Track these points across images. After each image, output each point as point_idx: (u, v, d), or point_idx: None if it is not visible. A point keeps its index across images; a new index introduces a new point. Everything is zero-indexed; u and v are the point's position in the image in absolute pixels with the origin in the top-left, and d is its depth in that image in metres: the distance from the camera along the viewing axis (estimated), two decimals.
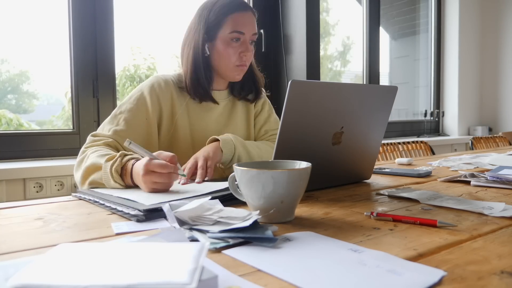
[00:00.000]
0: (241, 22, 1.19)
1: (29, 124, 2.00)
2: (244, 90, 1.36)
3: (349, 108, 0.96)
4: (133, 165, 0.95)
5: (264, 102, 1.44)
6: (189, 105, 1.26)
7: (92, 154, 1.04)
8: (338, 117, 0.94)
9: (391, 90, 1.05)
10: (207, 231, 0.60)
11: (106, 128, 1.17)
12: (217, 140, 1.17)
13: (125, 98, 1.24)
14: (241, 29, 1.20)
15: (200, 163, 1.07)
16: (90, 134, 1.17)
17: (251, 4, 2.44)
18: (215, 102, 1.29)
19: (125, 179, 0.96)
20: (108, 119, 1.19)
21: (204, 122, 1.28)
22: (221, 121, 1.31)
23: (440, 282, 0.44)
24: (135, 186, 0.96)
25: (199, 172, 1.05)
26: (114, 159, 0.97)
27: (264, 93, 1.45)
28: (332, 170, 1.00)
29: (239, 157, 1.18)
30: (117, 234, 0.64)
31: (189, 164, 1.08)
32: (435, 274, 0.46)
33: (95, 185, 1.00)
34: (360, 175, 1.11)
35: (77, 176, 1.06)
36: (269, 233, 0.59)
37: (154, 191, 0.90)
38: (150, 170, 0.89)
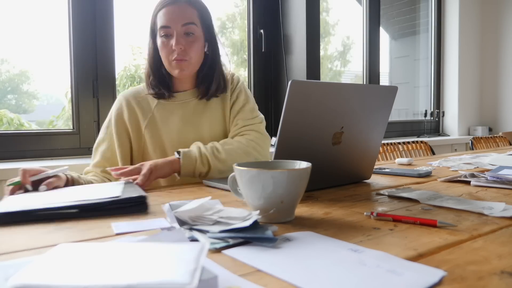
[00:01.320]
0: (166, 17, 1.19)
1: (29, 124, 2.00)
2: (209, 87, 1.30)
3: (349, 108, 0.96)
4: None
5: (240, 91, 1.35)
6: (156, 113, 1.28)
7: None
8: (338, 117, 0.94)
9: (391, 90, 1.05)
10: (207, 231, 0.60)
11: (90, 164, 1.30)
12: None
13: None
14: (166, 23, 1.19)
15: (143, 171, 1.06)
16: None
17: (251, 4, 2.44)
18: (171, 94, 1.29)
19: None
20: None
21: (175, 124, 1.27)
22: (194, 120, 1.28)
23: (440, 282, 0.44)
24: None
25: (140, 177, 1.03)
26: None
27: (240, 82, 1.37)
28: (332, 170, 1.01)
29: (208, 170, 1.15)
30: (117, 234, 0.64)
31: (132, 166, 1.09)
32: (435, 274, 0.46)
33: None
34: (360, 175, 1.11)
35: None
36: (269, 233, 0.59)
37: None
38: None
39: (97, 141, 1.31)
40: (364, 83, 3.10)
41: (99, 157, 1.27)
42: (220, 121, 1.32)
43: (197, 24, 1.22)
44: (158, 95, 1.28)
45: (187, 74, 1.25)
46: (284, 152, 0.87)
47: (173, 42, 1.19)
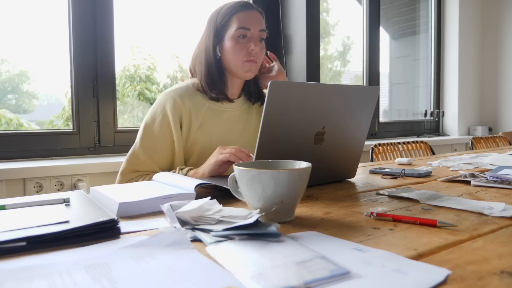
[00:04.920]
0: (246, 19, 1.24)
1: (29, 124, 2.00)
2: (257, 93, 1.39)
3: (330, 108, 0.97)
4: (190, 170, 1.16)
5: None
6: (207, 115, 1.29)
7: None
8: (319, 117, 0.95)
9: (373, 91, 1.06)
10: (210, 230, 0.60)
11: (142, 157, 1.22)
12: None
13: (148, 115, 1.26)
14: (247, 25, 1.24)
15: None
16: (128, 161, 1.24)
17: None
18: (231, 100, 1.32)
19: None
20: (138, 146, 1.24)
21: (222, 131, 1.30)
22: (240, 128, 1.34)
23: (445, 281, 0.44)
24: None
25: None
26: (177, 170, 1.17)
27: None
28: (316, 169, 1.01)
29: None
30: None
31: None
32: (440, 273, 0.46)
33: None
34: (344, 174, 1.12)
35: None
36: (273, 228, 0.59)
37: (224, 160, 1.04)
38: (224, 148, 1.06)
39: (146, 143, 1.24)
40: (364, 83, 3.10)
41: (161, 159, 1.24)
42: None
43: (266, 33, 1.31)
44: (215, 99, 1.30)
45: (252, 76, 1.30)
46: (266, 152, 0.88)
47: (251, 43, 1.24)
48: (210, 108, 1.29)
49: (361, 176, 1.20)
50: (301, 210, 0.78)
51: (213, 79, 1.27)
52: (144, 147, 1.23)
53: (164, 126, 1.23)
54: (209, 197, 0.71)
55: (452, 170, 1.31)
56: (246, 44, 1.25)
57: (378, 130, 3.13)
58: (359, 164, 1.27)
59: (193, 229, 0.62)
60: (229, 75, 1.32)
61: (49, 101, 2.13)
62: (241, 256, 0.51)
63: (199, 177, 1.07)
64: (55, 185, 1.65)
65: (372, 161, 2.15)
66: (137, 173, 1.23)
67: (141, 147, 1.23)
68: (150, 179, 1.14)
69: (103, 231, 0.61)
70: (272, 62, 1.42)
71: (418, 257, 0.52)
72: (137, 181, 1.21)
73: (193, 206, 0.66)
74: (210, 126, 1.28)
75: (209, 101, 1.30)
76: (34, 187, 1.61)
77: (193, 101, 1.27)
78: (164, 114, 1.24)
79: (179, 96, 1.26)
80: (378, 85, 3.12)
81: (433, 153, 2.45)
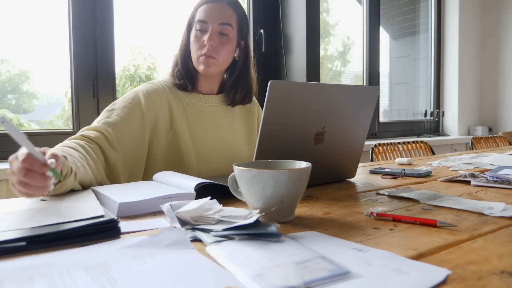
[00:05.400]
0: (206, 12, 1.21)
1: (29, 124, 2.00)
2: (236, 94, 1.32)
3: (330, 108, 0.97)
4: None
5: (260, 110, 1.44)
6: (187, 110, 1.26)
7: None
8: (319, 116, 0.95)
9: (373, 90, 1.06)
10: (210, 230, 0.60)
11: (96, 120, 1.14)
12: None
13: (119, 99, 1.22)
14: (204, 18, 1.21)
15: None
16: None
17: (251, 4, 2.45)
18: (199, 92, 1.28)
19: None
20: (100, 115, 1.17)
21: (204, 126, 1.27)
22: (222, 125, 1.31)
23: (445, 281, 0.44)
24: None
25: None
26: None
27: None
28: (315, 169, 1.01)
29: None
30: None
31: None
32: (440, 273, 0.46)
33: None
34: (344, 174, 1.12)
35: None
36: (273, 228, 0.59)
37: (26, 195, 0.74)
38: (28, 167, 0.70)
39: (114, 106, 1.17)
40: (364, 83, 3.10)
41: (116, 120, 1.12)
42: (245, 131, 1.37)
43: (233, 27, 1.23)
44: (181, 86, 1.26)
45: (212, 72, 1.24)
46: (266, 152, 0.88)
47: (206, 37, 1.20)
48: (191, 102, 1.27)
49: (361, 176, 1.20)
50: (301, 210, 0.78)
51: (180, 73, 1.25)
52: (103, 112, 1.17)
53: (134, 102, 1.17)
54: (209, 197, 0.72)
55: (452, 170, 1.31)
56: (201, 37, 1.21)
57: (378, 130, 3.13)
58: (359, 164, 1.27)
59: (193, 229, 0.62)
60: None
61: (49, 101, 2.13)
62: (241, 256, 0.51)
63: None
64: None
65: (372, 161, 2.15)
66: (76, 137, 1.07)
67: (101, 113, 1.17)
68: (80, 137, 1.05)
69: (103, 231, 0.61)
70: None
71: (418, 257, 0.52)
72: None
73: (193, 206, 0.66)
74: (192, 119, 1.25)
75: (190, 95, 1.27)
76: None
77: (174, 94, 1.25)
78: (136, 93, 1.20)
79: (160, 84, 1.25)
80: (378, 85, 3.12)
81: (433, 153, 2.45)
